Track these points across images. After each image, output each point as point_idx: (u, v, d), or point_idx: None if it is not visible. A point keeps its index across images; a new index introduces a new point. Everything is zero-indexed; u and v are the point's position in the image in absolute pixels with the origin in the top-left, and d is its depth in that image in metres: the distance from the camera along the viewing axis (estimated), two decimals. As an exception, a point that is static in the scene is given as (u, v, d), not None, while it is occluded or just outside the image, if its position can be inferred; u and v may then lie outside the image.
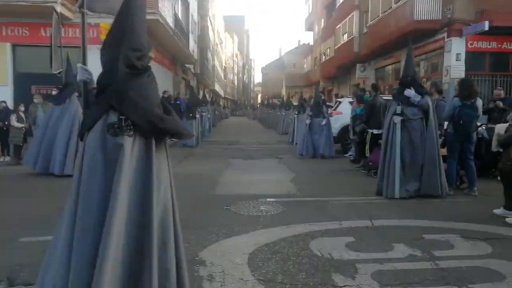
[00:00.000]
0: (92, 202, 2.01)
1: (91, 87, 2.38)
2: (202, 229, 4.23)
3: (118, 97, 2.02)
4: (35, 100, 9.70)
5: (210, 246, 3.75)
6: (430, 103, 5.78)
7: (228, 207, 5.17)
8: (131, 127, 2.02)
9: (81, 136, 2.18)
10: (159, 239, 2.09)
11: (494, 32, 13.06)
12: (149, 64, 2.23)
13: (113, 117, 2.02)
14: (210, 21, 36.39)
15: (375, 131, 7.93)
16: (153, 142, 2.11)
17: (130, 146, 2.01)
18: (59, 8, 10.36)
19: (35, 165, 7.41)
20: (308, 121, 10.36)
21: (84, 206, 2.02)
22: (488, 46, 14.10)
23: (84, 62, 2.65)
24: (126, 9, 2.10)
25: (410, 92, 5.69)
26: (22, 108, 9.46)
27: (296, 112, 14.00)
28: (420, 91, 5.80)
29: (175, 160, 9.81)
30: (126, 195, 2.00)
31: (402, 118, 5.68)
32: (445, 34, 14.18)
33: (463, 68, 13.68)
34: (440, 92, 7.40)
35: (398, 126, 5.67)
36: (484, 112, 7.93)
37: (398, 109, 5.74)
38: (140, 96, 2.05)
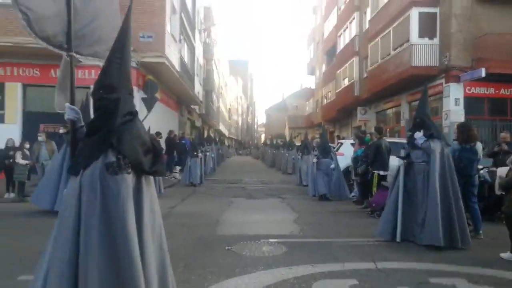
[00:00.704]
0: (91, 240, 2.04)
1: (79, 126, 2.50)
2: (202, 270, 4.16)
3: (119, 138, 2.12)
4: (39, 138, 9.88)
5: (211, 287, 3.67)
6: (436, 147, 5.42)
7: (229, 248, 5.10)
8: (129, 165, 2.11)
9: (75, 173, 2.20)
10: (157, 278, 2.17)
11: (491, 78, 13.47)
12: (136, 109, 2.38)
13: (111, 157, 2.09)
14: (215, 64, 37.59)
15: (381, 173, 7.99)
16: (143, 178, 2.22)
17: (130, 182, 2.11)
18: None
19: (53, 206, 7.11)
20: (315, 160, 10.19)
21: (85, 243, 2.04)
22: (486, 92, 14.46)
23: (72, 102, 2.79)
24: (121, 55, 2.25)
25: (417, 134, 5.62)
26: (27, 145, 9.61)
27: (300, 154, 13.87)
28: (426, 133, 5.56)
29: (177, 199, 9.79)
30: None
31: (406, 161, 5.61)
32: (443, 80, 14.60)
33: (463, 112, 13.95)
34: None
35: (402, 169, 5.60)
36: (489, 155, 7.98)
37: (403, 152, 5.70)
38: (136, 138, 2.17)
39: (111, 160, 2.08)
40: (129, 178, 2.09)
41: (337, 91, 27.12)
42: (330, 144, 11.86)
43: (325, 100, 32.30)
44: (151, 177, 2.34)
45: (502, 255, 4.74)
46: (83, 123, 2.52)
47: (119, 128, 2.14)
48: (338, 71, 26.91)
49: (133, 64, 13.27)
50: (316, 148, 10.89)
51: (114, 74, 2.24)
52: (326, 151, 10.24)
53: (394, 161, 8.86)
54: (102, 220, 2.03)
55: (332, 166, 10.00)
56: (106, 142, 2.11)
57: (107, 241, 2.01)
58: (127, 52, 2.28)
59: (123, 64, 2.24)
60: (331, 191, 9.87)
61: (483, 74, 12.84)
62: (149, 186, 2.27)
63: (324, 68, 34.10)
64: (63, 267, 2.01)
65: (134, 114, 2.26)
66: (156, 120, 14.62)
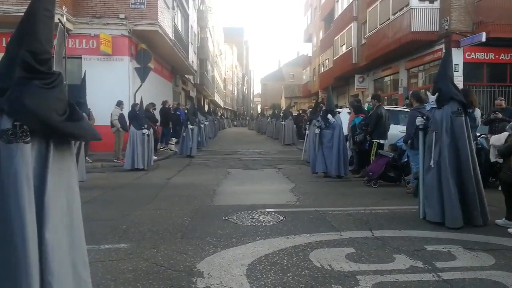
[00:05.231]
0: None
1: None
2: (200, 240, 4.17)
3: (11, 102, 1.85)
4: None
5: (208, 257, 3.68)
6: (442, 115, 4.78)
7: (226, 218, 5.11)
8: (28, 133, 1.86)
9: None
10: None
11: (491, 43, 13.21)
12: (55, 71, 2.06)
13: (7, 123, 1.85)
14: (210, 32, 36.69)
15: (381, 141, 7.95)
16: (51, 149, 1.95)
17: (27, 153, 1.86)
18: (64, 19, 10.41)
19: None
20: (317, 131, 8.78)
21: None
22: (485, 57, 14.23)
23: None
24: (27, 12, 1.96)
25: (418, 120, 5.12)
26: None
27: (308, 124, 11.71)
28: (440, 101, 4.83)
29: (173, 170, 9.78)
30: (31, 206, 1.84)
31: (423, 131, 5.12)
32: (442, 46, 14.30)
33: (461, 78, 13.78)
34: (420, 101, 6.50)
35: (421, 142, 5.11)
36: (485, 123, 7.92)
37: (419, 120, 5.11)
38: (35, 103, 1.88)
39: (6, 127, 1.84)
40: (26, 148, 1.85)
41: (334, 58, 26.67)
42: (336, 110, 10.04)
43: (322, 68, 31.85)
44: (69, 150, 2.07)
45: (497, 221, 4.77)
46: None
47: (15, 91, 1.86)
48: (336, 38, 26.35)
49: (125, 32, 12.91)
50: (319, 116, 9.17)
51: (15, 33, 1.96)
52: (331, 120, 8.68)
53: (393, 130, 8.83)
54: None
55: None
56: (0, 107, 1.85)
57: None
58: (36, 8, 1.93)
59: (29, 21, 1.94)
60: (330, 168, 8.51)
61: (484, 39, 12.58)
62: (64, 158, 2.03)
63: (321, 34, 33.39)
64: None
65: (40, 73, 1.94)
66: (150, 91, 14.38)
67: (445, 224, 4.65)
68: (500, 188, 5.28)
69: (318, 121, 9.03)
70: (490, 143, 5.22)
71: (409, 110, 7.19)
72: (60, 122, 1.94)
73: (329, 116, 8.60)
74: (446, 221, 4.66)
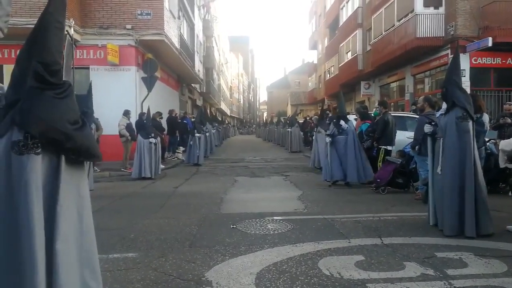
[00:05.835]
0: None
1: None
2: (208, 249, 4.16)
3: (22, 113, 1.87)
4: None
5: (216, 266, 3.67)
6: (447, 122, 4.71)
7: (234, 226, 5.10)
8: (38, 144, 1.87)
9: None
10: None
11: (498, 48, 13.16)
12: (66, 81, 2.08)
13: (18, 135, 1.86)
14: (215, 41, 36.99)
15: (388, 148, 7.90)
16: (62, 159, 1.95)
17: (37, 165, 1.86)
18: (72, 31, 10.55)
19: None
20: (328, 140, 8.40)
21: None
22: (492, 62, 14.17)
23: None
24: (38, 24, 1.97)
25: (427, 127, 5.07)
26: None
27: (315, 130, 11.60)
28: (447, 106, 4.79)
29: (181, 179, 9.80)
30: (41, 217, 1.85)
31: (431, 137, 5.06)
32: (448, 51, 14.28)
33: (468, 84, 13.71)
34: (432, 106, 6.37)
35: (429, 148, 5.05)
36: (494, 128, 7.86)
37: (427, 128, 5.05)
38: (47, 113, 1.89)
39: (18, 138, 1.85)
40: (37, 159, 1.86)
41: (340, 65, 26.71)
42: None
43: (328, 75, 31.90)
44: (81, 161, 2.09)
45: (508, 227, 4.70)
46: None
47: (26, 101, 1.87)
48: (341, 45, 26.42)
49: (132, 42, 13.08)
50: (328, 122, 8.88)
51: (25, 45, 1.97)
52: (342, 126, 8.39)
53: (400, 136, 8.79)
54: (7, 206, 1.84)
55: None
56: (11, 118, 1.87)
57: (7, 232, 1.83)
58: (46, 20, 1.95)
59: (40, 31, 1.95)
60: (349, 175, 8.19)
61: (490, 44, 12.55)
62: (76, 168, 2.04)
63: (326, 42, 33.49)
64: None
65: (51, 84, 1.95)
66: (157, 100, 14.50)
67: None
68: (510, 193, 5.22)
69: (328, 129, 8.73)
70: (499, 148, 5.16)
71: (416, 116, 7.16)
72: (72, 131, 1.94)
73: (342, 122, 8.41)
74: (444, 228, 4.59)
